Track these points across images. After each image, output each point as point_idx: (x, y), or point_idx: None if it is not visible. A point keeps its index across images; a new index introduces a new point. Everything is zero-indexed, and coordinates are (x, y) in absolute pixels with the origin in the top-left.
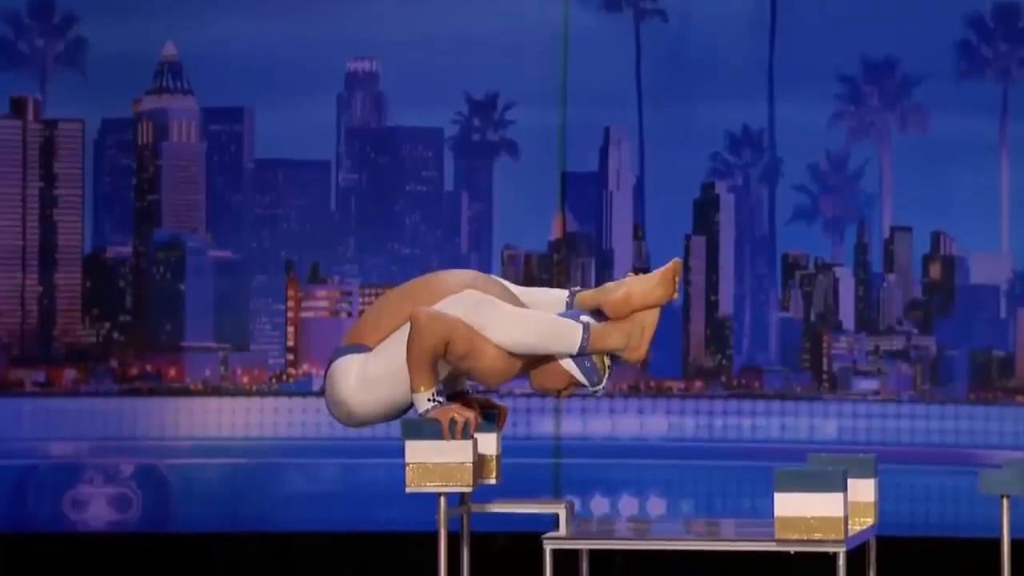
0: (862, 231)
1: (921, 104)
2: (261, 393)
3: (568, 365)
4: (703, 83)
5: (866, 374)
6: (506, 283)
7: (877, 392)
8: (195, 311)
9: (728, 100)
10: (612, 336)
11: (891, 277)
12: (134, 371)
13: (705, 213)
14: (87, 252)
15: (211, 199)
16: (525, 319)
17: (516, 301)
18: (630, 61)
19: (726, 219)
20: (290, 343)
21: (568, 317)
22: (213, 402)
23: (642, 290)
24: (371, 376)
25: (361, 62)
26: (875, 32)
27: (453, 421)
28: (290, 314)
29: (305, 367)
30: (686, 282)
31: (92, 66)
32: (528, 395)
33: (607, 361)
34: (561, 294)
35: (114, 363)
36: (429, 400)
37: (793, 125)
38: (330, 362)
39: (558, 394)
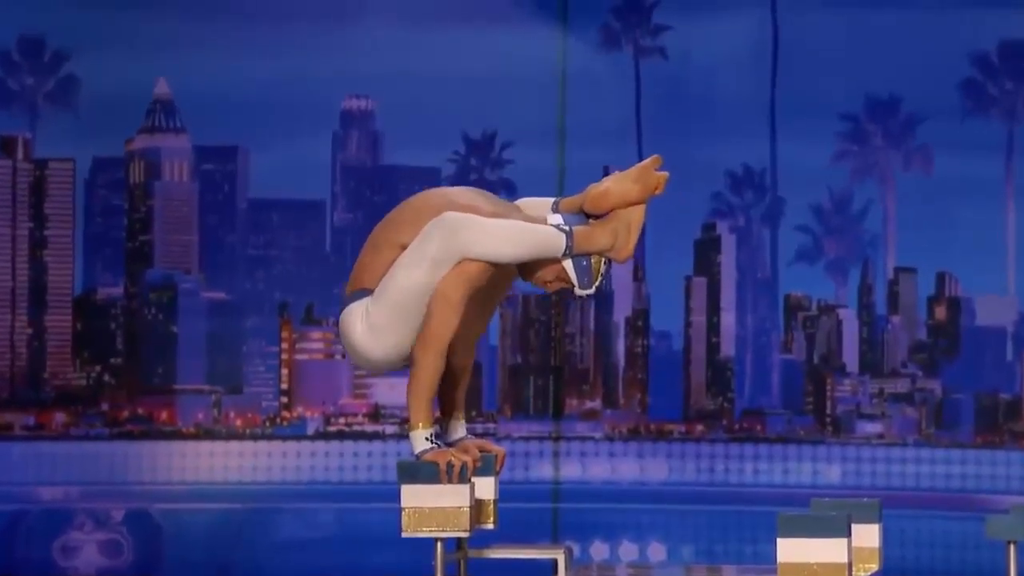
0: (866, 272)
1: (925, 143)
2: (255, 436)
3: (564, 261)
4: (704, 122)
5: (870, 417)
6: (490, 194)
7: (881, 436)
8: (187, 353)
9: (729, 139)
10: (597, 237)
11: (895, 319)
12: (125, 414)
13: (706, 254)
14: (78, 293)
15: (204, 239)
16: (506, 231)
17: (501, 208)
18: (630, 99)
19: (727, 260)
20: (284, 386)
21: (553, 224)
22: (206, 446)
23: (620, 187)
24: (375, 323)
25: (357, 100)
26: (878, 70)
27: (450, 464)
28: (284, 356)
29: (299, 410)
30: (686, 324)
31: (83, 104)
32: (526, 439)
33: (602, 267)
34: (547, 200)
35: (105, 406)
36: (427, 440)
37: (795, 164)
38: (339, 314)
39: (545, 286)
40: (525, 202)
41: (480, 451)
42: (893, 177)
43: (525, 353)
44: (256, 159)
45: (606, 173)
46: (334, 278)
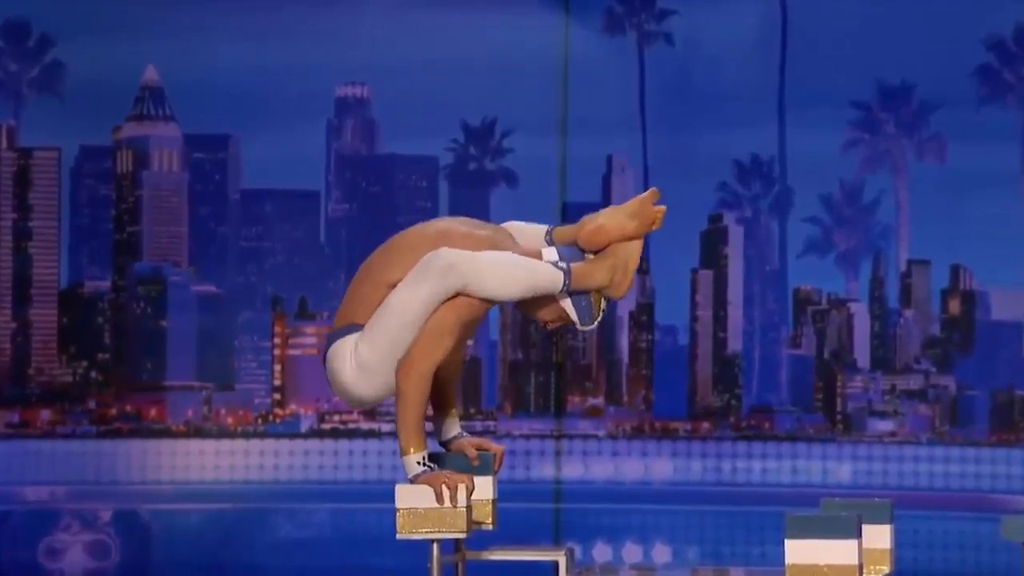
0: (877, 265)
1: (939, 132)
2: (246, 434)
3: (563, 300)
4: (710, 110)
5: (882, 415)
6: (480, 222)
7: (893, 434)
8: (177, 349)
9: (737, 128)
10: (594, 275)
11: (908, 313)
12: (113, 411)
13: (712, 246)
14: (63, 287)
15: (194, 231)
16: (503, 271)
17: (494, 233)
18: (634, 86)
19: (734, 252)
20: (277, 382)
21: (551, 259)
22: (196, 444)
23: (616, 222)
24: (365, 362)
25: (352, 87)
26: (891, 56)
27: (446, 487)
28: (277, 352)
29: (292, 407)
30: (692, 319)
31: (69, 91)
32: (527, 436)
33: (603, 303)
34: (539, 228)
35: (92, 403)
36: (419, 464)
37: (805, 154)
38: (325, 348)
39: (546, 326)
40: (515, 226)
41: (478, 449)
42: (906, 167)
43: (526, 349)
44: (248, 148)
45: (609, 162)
46: (328, 271)
